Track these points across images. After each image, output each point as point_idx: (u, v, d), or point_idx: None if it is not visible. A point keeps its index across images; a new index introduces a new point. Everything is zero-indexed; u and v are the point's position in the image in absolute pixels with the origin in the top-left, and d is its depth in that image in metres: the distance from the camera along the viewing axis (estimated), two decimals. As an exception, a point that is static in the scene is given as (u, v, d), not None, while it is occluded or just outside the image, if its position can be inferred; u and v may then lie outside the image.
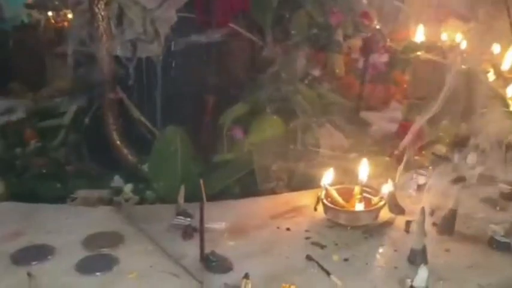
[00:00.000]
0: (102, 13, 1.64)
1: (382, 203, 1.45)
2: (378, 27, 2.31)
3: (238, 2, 1.83)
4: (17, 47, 2.70)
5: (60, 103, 2.22)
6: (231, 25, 1.79)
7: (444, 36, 2.67)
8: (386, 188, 1.47)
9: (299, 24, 2.02)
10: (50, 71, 2.59)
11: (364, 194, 1.47)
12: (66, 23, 2.75)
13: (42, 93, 2.42)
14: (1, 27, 2.82)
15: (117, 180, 1.69)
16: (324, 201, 1.45)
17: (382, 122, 2.04)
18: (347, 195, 1.48)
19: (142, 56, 1.72)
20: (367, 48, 2.13)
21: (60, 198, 1.61)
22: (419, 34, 2.67)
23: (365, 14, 2.26)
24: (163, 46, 1.71)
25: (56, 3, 2.77)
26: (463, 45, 2.48)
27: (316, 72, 1.96)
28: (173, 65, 1.76)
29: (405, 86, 2.21)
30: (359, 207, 1.45)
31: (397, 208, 1.47)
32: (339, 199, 1.47)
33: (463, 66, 2.04)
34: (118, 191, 1.64)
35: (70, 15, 2.77)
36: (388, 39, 2.37)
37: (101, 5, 1.64)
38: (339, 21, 2.10)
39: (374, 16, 2.30)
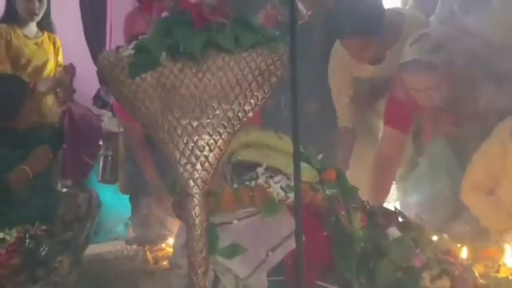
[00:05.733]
0: (200, 283, 1.76)
1: None
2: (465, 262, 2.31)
3: (322, 256, 1.92)
4: (114, 275, 2.91)
5: None
6: (319, 283, 1.87)
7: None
8: None
9: (384, 271, 2.07)
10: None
11: None
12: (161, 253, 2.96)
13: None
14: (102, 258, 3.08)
15: None
16: None
17: None
18: None
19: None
20: (456, 289, 2.12)
21: None
22: (508, 257, 2.55)
23: (449, 251, 2.29)
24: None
25: (153, 237, 3.00)
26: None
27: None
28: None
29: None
30: None
31: None
32: None
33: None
34: None
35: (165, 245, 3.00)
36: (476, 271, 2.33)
37: (199, 275, 1.77)
38: (423, 262, 2.14)
39: (458, 252, 2.32)
